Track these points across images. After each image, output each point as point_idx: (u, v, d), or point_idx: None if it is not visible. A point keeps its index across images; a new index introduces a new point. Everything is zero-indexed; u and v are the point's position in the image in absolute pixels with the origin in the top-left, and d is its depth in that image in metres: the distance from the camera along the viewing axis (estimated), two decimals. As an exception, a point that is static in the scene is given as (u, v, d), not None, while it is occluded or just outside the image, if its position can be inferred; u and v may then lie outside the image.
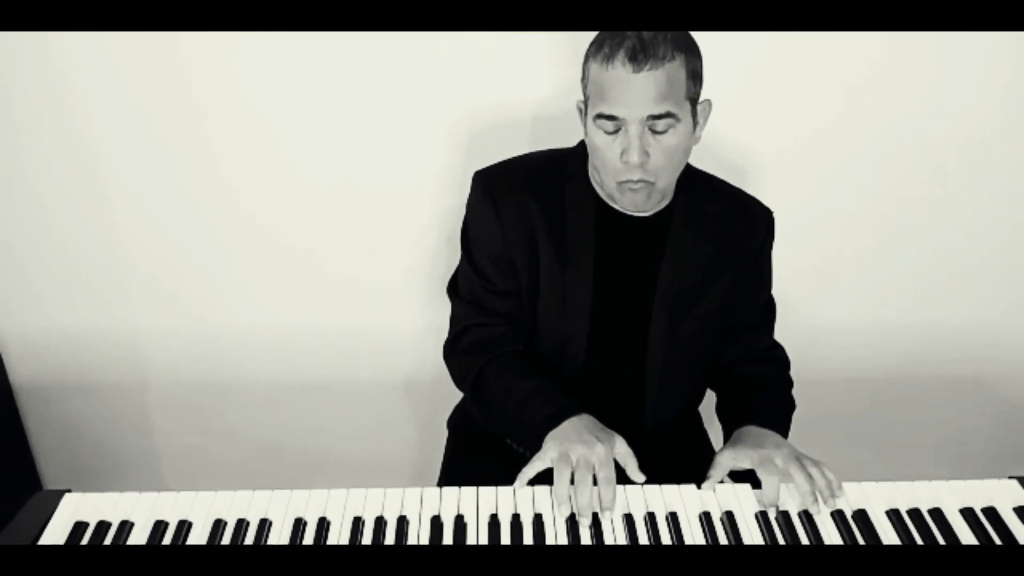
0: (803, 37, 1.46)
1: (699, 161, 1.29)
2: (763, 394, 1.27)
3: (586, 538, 1.01)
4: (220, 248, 1.65)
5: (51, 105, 1.49)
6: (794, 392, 1.34)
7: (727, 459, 1.12)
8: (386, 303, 1.72)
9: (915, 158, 1.59)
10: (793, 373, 1.36)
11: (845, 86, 1.51)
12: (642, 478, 1.07)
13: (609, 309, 1.22)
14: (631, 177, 1.09)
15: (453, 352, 1.28)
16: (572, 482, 1.02)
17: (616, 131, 1.07)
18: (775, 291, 1.36)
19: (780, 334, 1.37)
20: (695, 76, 1.08)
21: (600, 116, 1.07)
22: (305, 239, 1.64)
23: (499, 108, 1.52)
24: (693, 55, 1.07)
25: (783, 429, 1.23)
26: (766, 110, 1.53)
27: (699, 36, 1.42)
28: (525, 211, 1.19)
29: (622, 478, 1.09)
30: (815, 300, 1.74)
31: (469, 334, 1.25)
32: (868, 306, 1.75)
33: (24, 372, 1.79)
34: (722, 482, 1.12)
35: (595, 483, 1.03)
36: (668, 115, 1.04)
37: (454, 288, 1.29)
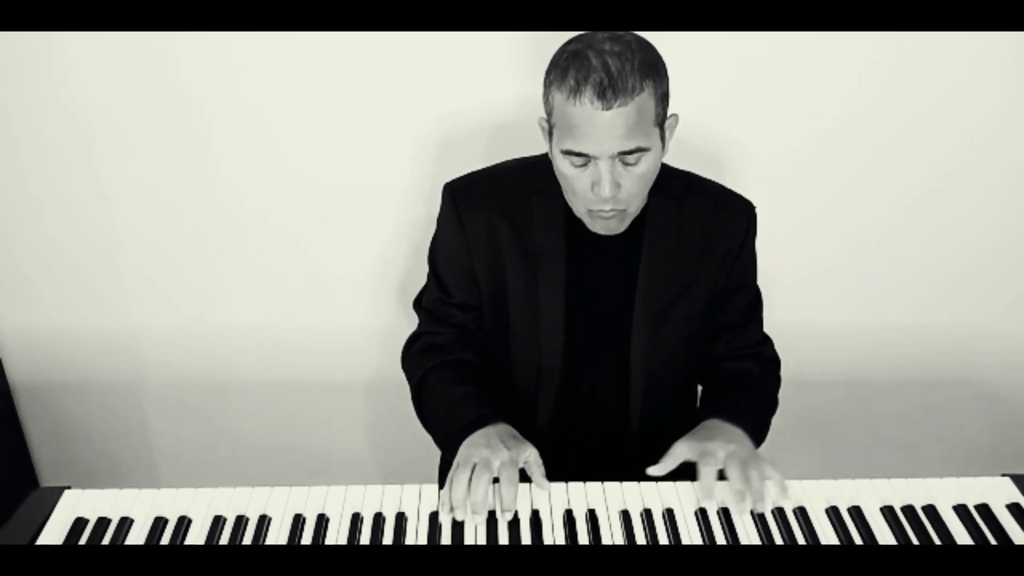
0: (804, 38, 1.46)
1: (696, 163, 1.29)
2: (740, 390, 1.25)
3: (583, 536, 1.02)
4: (218, 248, 1.65)
5: (48, 104, 1.49)
6: (793, 393, 1.31)
7: (681, 450, 1.11)
8: (383, 303, 1.72)
9: (916, 160, 1.59)
10: (791, 374, 1.34)
11: (844, 89, 1.51)
12: (547, 486, 1.07)
13: (586, 320, 1.22)
14: (603, 208, 1.08)
15: (405, 356, 1.31)
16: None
17: (585, 164, 1.06)
18: (773, 293, 1.35)
19: (778, 336, 1.36)
20: (664, 98, 1.05)
21: (568, 152, 1.05)
22: (303, 239, 1.65)
23: (484, 109, 1.52)
24: (661, 77, 1.03)
25: (755, 427, 1.19)
26: (765, 112, 1.54)
27: (705, 39, 1.43)
28: (491, 229, 1.19)
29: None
30: (813, 302, 1.74)
31: (420, 340, 1.28)
32: (865, 308, 1.76)
33: (22, 371, 1.79)
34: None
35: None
36: (638, 149, 1.03)
37: (418, 302, 1.32)
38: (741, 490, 1.04)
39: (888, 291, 1.74)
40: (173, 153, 1.55)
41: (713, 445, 1.09)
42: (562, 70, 1.02)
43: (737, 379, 1.27)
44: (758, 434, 1.19)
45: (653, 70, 1.02)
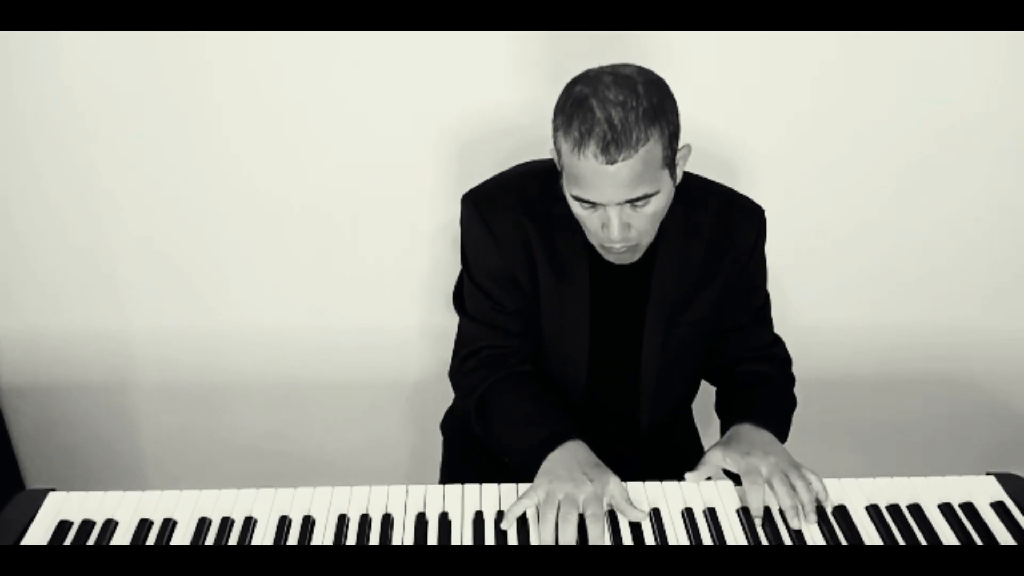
0: (814, 38, 1.45)
1: (705, 166, 1.29)
2: (760, 391, 1.26)
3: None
4: (208, 248, 1.65)
5: (41, 104, 1.48)
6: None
7: (717, 458, 1.13)
8: (378, 304, 1.72)
9: (902, 155, 1.59)
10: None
11: (829, 85, 1.51)
12: (641, 517, 1.06)
13: (606, 324, 1.22)
14: (614, 245, 1.09)
15: (460, 370, 1.27)
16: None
17: (594, 207, 1.06)
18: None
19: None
20: (673, 138, 1.04)
21: (577, 198, 1.06)
22: (297, 239, 1.64)
23: (496, 110, 1.52)
24: (668, 119, 1.02)
25: (780, 427, 1.22)
26: (755, 108, 1.54)
27: (710, 40, 1.43)
28: (519, 227, 1.18)
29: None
30: (796, 298, 1.75)
31: (481, 354, 1.24)
32: (848, 304, 1.76)
33: (8, 371, 1.78)
34: (708, 479, 1.13)
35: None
36: (645, 196, 1.03)
37: (461, 304, 1.28)
38: (793, 505, 1.05)
39: (870, 287, 1.74)
40: (167, 154, 1.54)
41: (755, 460, 1.10)
42: (567, 118, 1.02)
43: (757, 381, 1.28)
44: (784, 434, 1.22)
45: (659, 114, 1.00)
